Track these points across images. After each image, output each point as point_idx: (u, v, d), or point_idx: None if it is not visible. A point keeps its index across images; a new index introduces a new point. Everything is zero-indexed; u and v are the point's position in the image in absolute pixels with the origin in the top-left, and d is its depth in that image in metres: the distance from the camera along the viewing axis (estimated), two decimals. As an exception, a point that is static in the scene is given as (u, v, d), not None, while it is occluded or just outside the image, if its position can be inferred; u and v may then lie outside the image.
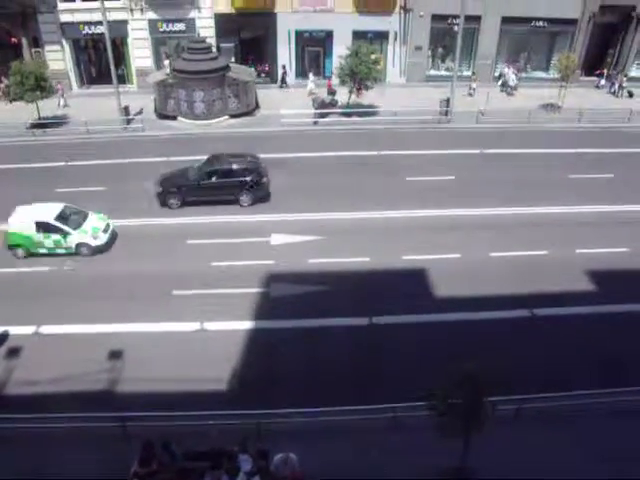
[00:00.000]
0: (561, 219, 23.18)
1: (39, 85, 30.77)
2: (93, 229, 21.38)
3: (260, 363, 16.35)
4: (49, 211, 21.22)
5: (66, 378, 15.46)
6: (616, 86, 37.74)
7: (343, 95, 33.83)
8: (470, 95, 36.60)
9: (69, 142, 30.55)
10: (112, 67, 32.10)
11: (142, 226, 22.92)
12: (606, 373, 15.52)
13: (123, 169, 27.47)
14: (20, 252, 21.05)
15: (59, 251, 21.16)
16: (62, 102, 35.14)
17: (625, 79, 37.61)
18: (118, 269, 20.33)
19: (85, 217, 21.70)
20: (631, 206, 24.11)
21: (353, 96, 33.51)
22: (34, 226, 20.64)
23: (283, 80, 37.67)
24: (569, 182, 25.95)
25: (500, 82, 37.88)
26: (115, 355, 16.54)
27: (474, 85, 36.80)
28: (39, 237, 20.77)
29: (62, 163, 28.04)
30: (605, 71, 39.00)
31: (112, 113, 32.37)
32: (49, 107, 33.17)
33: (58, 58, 36.68)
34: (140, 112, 33.66)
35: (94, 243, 21.22)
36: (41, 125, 32.03)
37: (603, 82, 38.73)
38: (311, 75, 36.26)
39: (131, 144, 30.33)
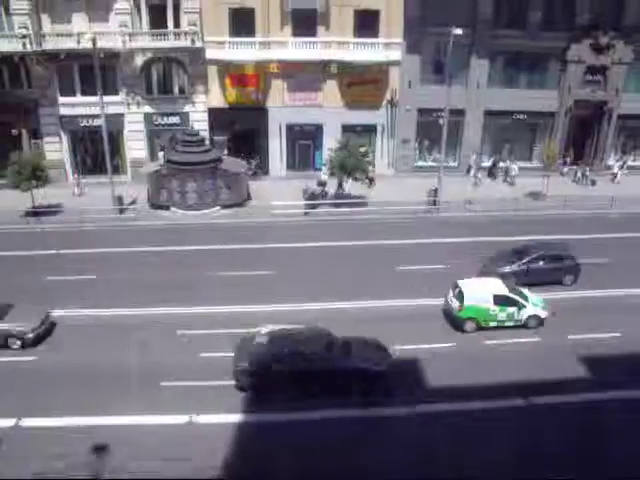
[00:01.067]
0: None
1: (35, 175, 31.58)
2: (539, 301, 22.26)
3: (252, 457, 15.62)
4: (497, 285, 22.10)
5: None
6: (579, 174, 39.12)
7: (345, 186, 34.63)
8: (476, 184, 37.79)
9: (63, 230, 30.82)
10: (107, 158, 33.03)
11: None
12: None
13: (114, 258, 27.52)
14: (471, 325, 21.51)
15: (508, 324, 21.64)
16: (77, 191, 35.95)
17: (588, 168, 39.01)
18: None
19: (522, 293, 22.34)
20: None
21: (347, 187, 34.58)
22: (492, 299, 21.38)
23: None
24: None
25: (472, 173, 38.70)
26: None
27: (479, 175, 38.22)
28: (494, 310, 21.41)
29: (53, 251, 28.09)
30: (568, 159, 40.57)
31: (106, 203, 32.81)
32: (60, 195, 34.11)
33: (56, 149, 37.74)
34: (134, 202, 34.21)
35: (543, 315, 21.87)
36: (35, 213, 32.43)
37: (566, 170, 39.99)
38: (324, 168, 36.31)
39: (123, 233, 30.60)
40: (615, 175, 39.42)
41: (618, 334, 21.13)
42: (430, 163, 39.30)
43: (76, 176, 36.47)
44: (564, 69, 38.59)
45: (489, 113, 38.91)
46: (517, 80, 38.89)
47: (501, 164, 39.84)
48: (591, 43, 37.98)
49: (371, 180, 35.56)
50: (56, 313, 22.06)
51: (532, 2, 36.70)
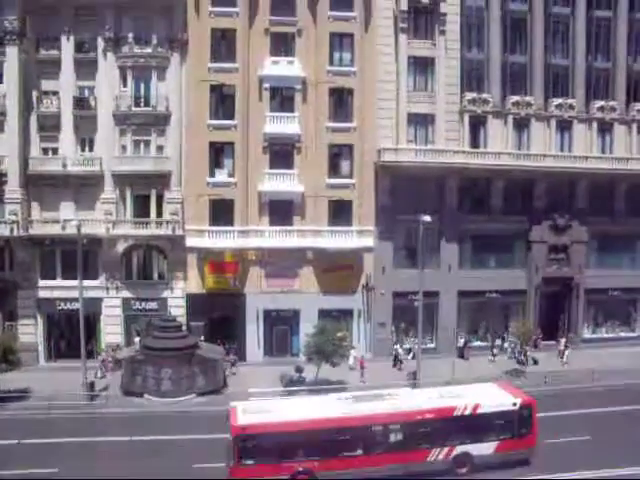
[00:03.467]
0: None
1: (6, 358, 30.69)
2: None
3: None
4: None
5: None
6: (520, 356, 37.90)
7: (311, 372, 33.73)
8: (491, 361, 37.74)
9: (28, 417, 29.14)
10: (82, 342, 32.55)
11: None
12: None
13: (80, 448, 25.67)
14: None
15: None
16: (100, 374, 34.87)
17: (528, 348, 38.16)
18: None
19: None
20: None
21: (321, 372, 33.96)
22: None
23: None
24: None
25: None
26: None
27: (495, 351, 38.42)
28: None
29: (14, 441, 26.26)
30: (500, 341, 40.57)
31: (78, 388, 31.58)
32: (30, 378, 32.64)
33: (30, 332, 37.10)
34: (106, 388, 32.95)
35: None
36: (1, 399, 30.70)
37: (496, 351, 39.33)
38: (353, 351, 35.93)
39: (92, 421, 29.04)
40: (562, 352, 38.44)
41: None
42: (407, 346, 39.06)
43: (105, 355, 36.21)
44: (529, 249, 40.86)
45: (462, 294, 39.94)
46: (486, 261, 40.88)
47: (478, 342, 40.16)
48: (550, 225, 40.82)
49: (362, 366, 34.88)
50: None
51: (493, 190, 39.81)
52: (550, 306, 41.95)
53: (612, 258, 42.46)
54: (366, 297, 39.06)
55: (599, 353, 38.92)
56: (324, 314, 37.71)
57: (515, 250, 41.12)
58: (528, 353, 38.02)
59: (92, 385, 32.36)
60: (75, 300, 34.22)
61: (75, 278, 33.11)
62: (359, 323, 39.39)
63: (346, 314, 39.04)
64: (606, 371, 34.43)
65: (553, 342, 40.66)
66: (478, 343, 40.33)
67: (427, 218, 32.67)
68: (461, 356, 39.00)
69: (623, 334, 43.29)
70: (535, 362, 37.55)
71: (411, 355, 37.71)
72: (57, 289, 37.06)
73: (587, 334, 42.61)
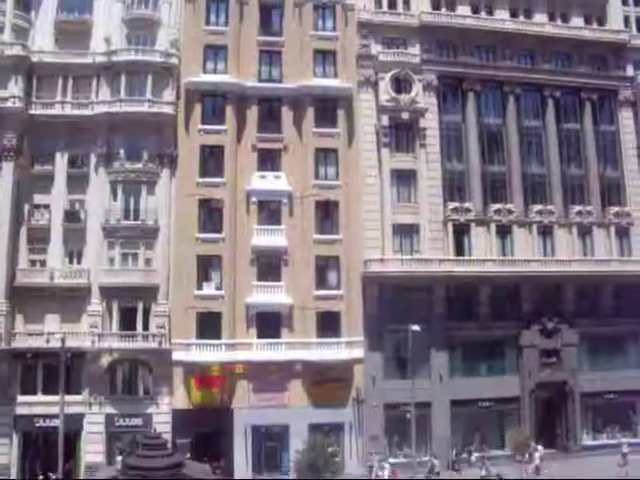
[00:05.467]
0: None
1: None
2: None
3: None
4: None
5: None
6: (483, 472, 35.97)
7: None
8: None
9: None
10: (60, 463, 31.08)
11: None
12: None
13: None
14: None
15: None
16: None
17: (489, 463, 36.23)
18: None
19: None
20: None
21: None
22: None
23: None
24: None
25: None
26: None
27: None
28: None
29: None
30: (467, 454, 39.04)
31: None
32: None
33: (3, 452, 35.00)
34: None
35: None
36: None
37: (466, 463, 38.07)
38: (385, 464, 35.19)
39: None
40: (537, 467, 36.26)
41: None
42: (401, 459, 37.53)
43: None
44: (520, 354, 40.40)
45: (455, 403, 38.95)
46: (478, 368, 40.29)
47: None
48: (539, 329, 40.67)
49: None
50: None
51: (480, 297, 39.88)
52: (546, 413, 41.02)
53: (604, 360, 42.13)
54: (357, 410, 37.94)
55: (601, 461, 36.90)
56: (314, 429, 36.56)
57: (506, 356, 40.67)
58: (491, 469, 35.53)
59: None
60: (55, 417, 32.89)
61: (57, 393, 32.16)
62: (351, 437, 37.99)
63: (337, 428, 37.81)
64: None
65: (553, 450, 39.38)
66: (474, 455, 38.43)
67: (416, 327, 32.65)
68: (453, 468, 37.57)
69: (625, 440, 41.06)
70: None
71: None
72: (36, 405, 35.48)
73: (588, 441, 41.14)
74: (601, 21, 46.92)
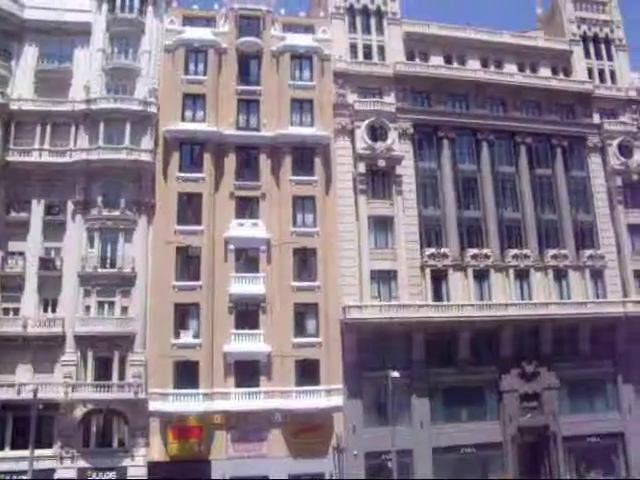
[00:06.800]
0: None
1: None
2: None
3: None
4: None
5: None
6: None
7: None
8: None
9: None
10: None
11: None
12: None
13: None
14: None
15: None
16: None
17: None
18: None
19: None
20: None
21: None
22: None
23: None
24: None
25: None
26: None
27: None
28: None
29: None
30: None
31: None
32: None
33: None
34: None
35: None
36: None
37: None
38: None
39: None
40: None
41: None
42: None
43: None
44: (501, 399, 40.19)
45: (437, 450, 38.40)
46: (459, 414, 39.87)
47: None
48: (519, 373, 40.64)
49: None
50: None
51: (459, 342, 39.94)
52: (529, 457, 40.46)
53: (584, 403, 42.18)
54: (338, 459, 37.11)
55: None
56: (294, 480, 36.06)
57: (487, 401, 40.46)
58: None
59: None
60: (23, 473, 31.88)
61: (26, 447, 31.26)
62: (334, 486, 37.53)
63: (317, 478, 36.86)
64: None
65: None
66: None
67: (395, 374, 32.47)
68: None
69: (608, 482, 41.53)
70: None
71: None
72: (3, 461, 34.13)
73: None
74: (567, 72, 48.96)
